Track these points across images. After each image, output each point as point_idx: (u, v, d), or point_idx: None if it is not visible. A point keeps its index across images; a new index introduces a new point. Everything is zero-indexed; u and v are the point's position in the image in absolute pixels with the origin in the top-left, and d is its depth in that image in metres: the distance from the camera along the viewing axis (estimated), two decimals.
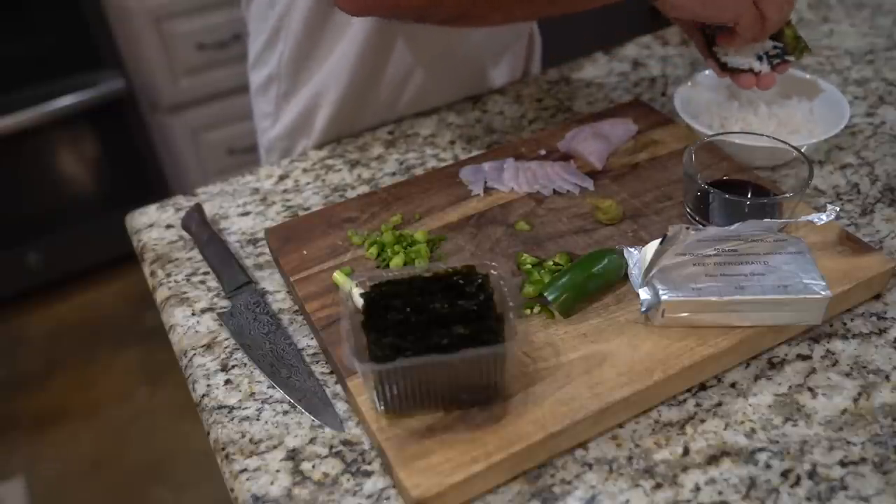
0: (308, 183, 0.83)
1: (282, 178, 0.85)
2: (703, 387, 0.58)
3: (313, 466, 0.55)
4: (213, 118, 2.04)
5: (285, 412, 0.59)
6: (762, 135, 0.70)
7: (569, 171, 0.75)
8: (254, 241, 0.76)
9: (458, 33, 0.89)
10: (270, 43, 0.90)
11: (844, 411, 0.56)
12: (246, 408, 0.60)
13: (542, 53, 1.10)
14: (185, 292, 0.71)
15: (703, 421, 0.56)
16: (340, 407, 0.59)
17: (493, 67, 0.97)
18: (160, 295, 0.72)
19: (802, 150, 0.67)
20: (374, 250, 0.68)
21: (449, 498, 0.50)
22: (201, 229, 0.75)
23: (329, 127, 0.91)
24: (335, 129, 0.91)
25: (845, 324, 0.63)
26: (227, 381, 0.62)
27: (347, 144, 0.89)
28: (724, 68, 0.76)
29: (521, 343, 0.58)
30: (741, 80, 0.75)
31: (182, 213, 0.80)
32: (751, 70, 0.75)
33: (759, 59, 0.74)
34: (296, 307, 0.68)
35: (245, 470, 0.55)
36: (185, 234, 0.77)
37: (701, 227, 0.67)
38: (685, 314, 0.58)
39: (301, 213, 0.79)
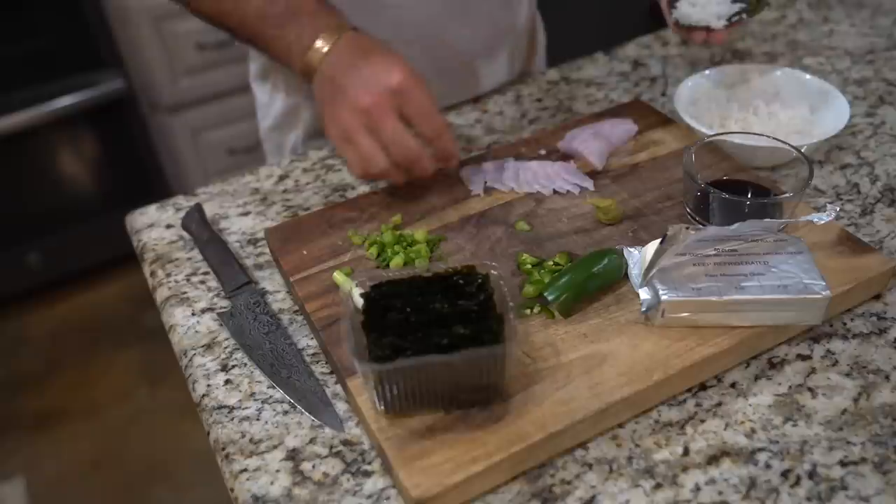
0: (308, 183, 0.83)
1: (282, 178, 0.85)
2: (703, 387, 0.58)
3: (313, 466, 0.55)
4: (213, 118, 2.04)
5: (285, 412, 0.59)
6: (762, 135, 0.70)
7: (569, 170, 0.75)
8: (254, 241, 0.76)
9: (442, 28, 0.89)
10: None
11: (844, 411, 0.56)
12: (246, 408, 0.60)
13: (545, 54, 1.10)
14: (185, 292, 0.71)
15: (703, 421, 0.56)
16: (340, 407, 0.59)
17: (488, 66, 0.96)
18: (160, 295, 0.72)
19: (802, 150, 0.67)
20: (374, 250, 0.68)
21: (449, 498, 0.50)
22: (201, 229, 0.75)
23: (314, 119, 0.92)
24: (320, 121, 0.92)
25: (845, 324, 0.63)
26: (227, 381, 0.62)
27: None
28: (676, 25, 0.77)
29: (521, 343, 0.58)
30: (693, 36, 0.76)
31: (182, 213, 0.80)
32: (706, 27, 0.75)
33: (719, 17, 0.74)
34: (296, 307, 0.68)
35: (245, 470, 0.55)
36: (185, 234, 0.77)
37: (701, 227, 0.67)
38: (685, 314, 0.58)
39: (301, 213, 0.79)
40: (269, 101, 0.98)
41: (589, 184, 0.74)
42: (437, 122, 0.69)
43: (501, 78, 0.99)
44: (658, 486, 0.52)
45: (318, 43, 0.70)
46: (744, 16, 0.74)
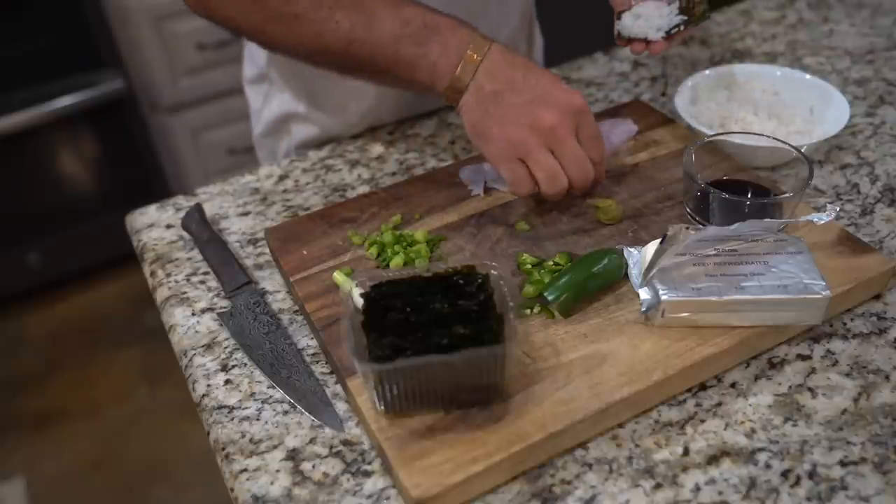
0: (308, 183, 0.83)
1: (282, 178, 0.85)
2: (703, 387, 0.58)
3: (313, 466, 0.55)
4: (213, 118, 2.04)
5: (285, 412, 0.59)
6: (762, 135, 0.70)
7: (615, 125, 0.76)
8: (254, 241, 0.76)
9: None
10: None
11: (844, 411, 0.56)
12: (246, 408, 0.60)
13: (543, 55, 1.10)
14: (185, 292, 0.71)
15: (703, 421, 0.56)
16: (340, 407, 0.59)
17: None
18: (160, 295, 0.72)
19: (802, 150, 0.67)
20: (374, 250, 0.68)
21: (449, 498, 0.50)
22: (201, 229, 0.75)
23: (304, 129, 0.92)
24: (309, 131, 0.92)
25: (845, 324, 0.63)
26: (227, 381, 0.62)
27: (347, 144, 0.89)
28: (618, 37, 0.77)
29: (521, 343, 0.58)
30: (633, 47, 0.77)
31: (182, 213, 0.80)
32: (645, 39, 0.76)
33: (658, 29, 0.75)
34: (296, 307, 0.68)
35: (245, 470, 0.55)
36: (185, 234, 0.77)
37: (701, 227, 0.67)
38: (685, 314, 0.58)
39: (301, 213, 0.79)
40: (261, 107, 0.97)
41: (633, 128, 0.77)
42: (602, 148, 0.69)
43: None
44: (658, 486, 0.52)
45: (470, 54, 0.66)
46: (682, 27, 0.75)
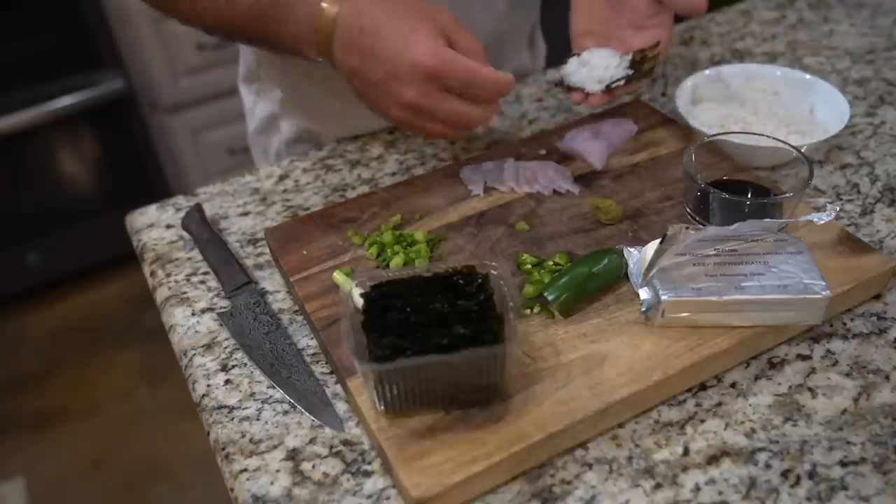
0: (308, 183, 0.83)
1: (282, 178, 0.85)
2: (703, 387, 0.58)
3: (313, 466, 0.55)
4: (213, 118, 2.04)
5: (285, 412, 0.59)
6: (762, 135, 0.70)
7: (557, 171, 0.75)
8: (254, 241, 0.76)
9: None
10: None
11: (844, 411, 0.56)
12: (246, 408, 0.60)
13: (545, 60, 1.10)
14: (185, 292, 0.71)
15: (703, 421, 0.56)
16: (340, 407, 0.59)
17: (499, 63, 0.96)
18: (160, 295, 0.72)
19: (802, 150, 0.67)
20: (374, 250, 0.68)
21: (449, 498, 0.50)
22: (201, 229, 0.75)
23: (292, 127, 0.92)
24: (298, 128, 0.92)
25: (845, 324, 0.63)
26: (227, 381, 0.62)
27: (347, 144, 0.89)
28: (560, 83, 0.76)
29: (521, 343, 0.58)
30: (572, 95, 0.75)
31: (182, 213, 0.80)
32: (582, 89, 0.74)
33: (600, 81, 0.73)
34: (296, 307, 0.68)
35: (245, 470, 0.55)
36: (185, 234, 0.77)
37: (701, 227, 0.67)
38: (685, 314, 0.58)
39: (301, 213, 0.79)
40: (253, 105, 0.98)
41: (575, 188, 0.74)
42: (484, 84, 0.64)
43: None
44: (658, 486, 0.52)
45: (321, 26, 0.64)
46: (622, 82, 0.72)
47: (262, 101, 0.96)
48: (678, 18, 0.76)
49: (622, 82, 0.72)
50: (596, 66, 0.73)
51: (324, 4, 0.64)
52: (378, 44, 0.63)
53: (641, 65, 0.72)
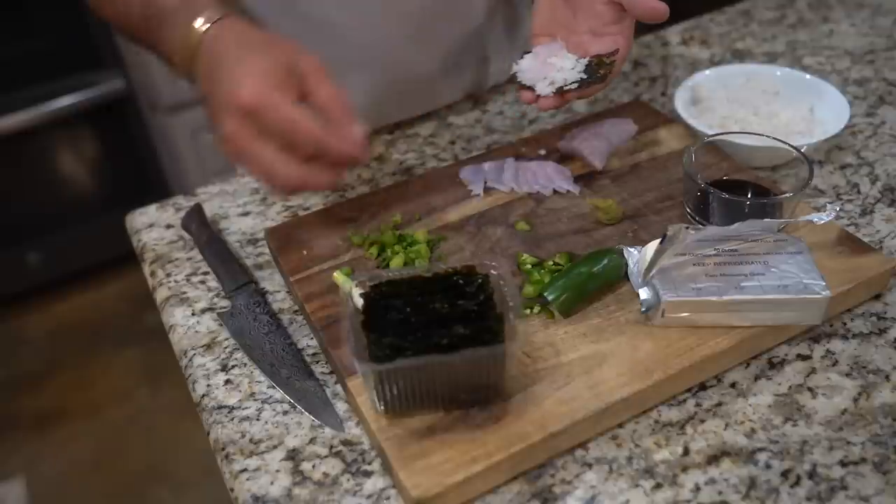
0: None
1: None
2: (703, 387, 0.58)
3: (313, 466, 0.55)
4: None
5: (285, 412, 0.59)
6: (762, 135, 0.70)
7: (557, 171, 0.75)
8: (254, 241, 0.76)
9: (398, 50, 0.85)
10: None
11: (844, 411, 0.56)
12: (246, 408, 0.60)
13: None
14: (185, 292, 0.71)
15: (703, 421, 0.56)
16: (340, 407, 0.59)
17: (448, 82, 0.92)
18: (160, 295, 0.72)
19: (802, 150, 0.67)
20: (374, 250, 0.68)
21: (449, 498, 0.50)
22: (201, 229, 0.75)
23: None
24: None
25: (845, 324, 0.63)
26: (227, 381, 0.62)
27: None
28: (514, 79, 0.73)
29: (521, 343, 0.58)
30: (522, 95, 0.72)
31: (182, 213, 0.80)
32: (532, 88, 0.71)
33: (552, 83, 0.70)
34: (296, 307, 0.68)
35: (245, 470, 0.55)
36: (185, 234, 0.77)
37: (701, 227, 0.67)
38: (685, 314, 0.58)
39: (301, 213, 0.79)
40: None
41: (575, 188, 0.74)
42: (305, 138, 0.55)
43: (466, 88, 0.94)
44: (658, 486, 0.52)
45: (189, 45, 0.60)
46: (574, 86, 0.69)
47: None
48: (649, 26, 0.75)
49: (575, 86, 0.69)
50: (549, 67, 0.70)
51: (195, 24, 0.61)
52: (218, 72, 0.59)
53: (597, 70, 0.69)
